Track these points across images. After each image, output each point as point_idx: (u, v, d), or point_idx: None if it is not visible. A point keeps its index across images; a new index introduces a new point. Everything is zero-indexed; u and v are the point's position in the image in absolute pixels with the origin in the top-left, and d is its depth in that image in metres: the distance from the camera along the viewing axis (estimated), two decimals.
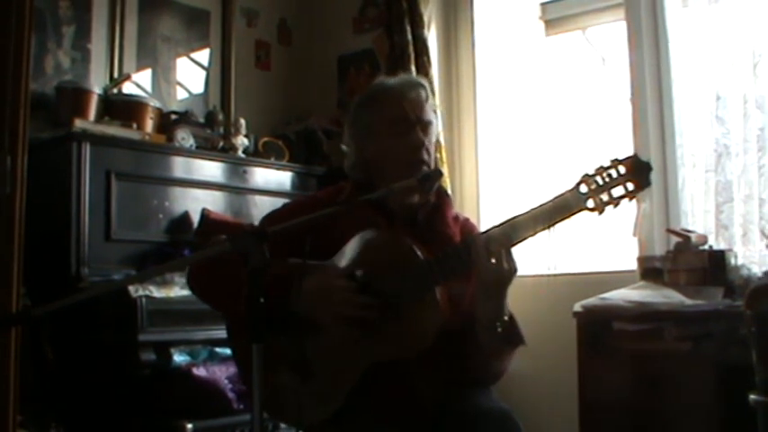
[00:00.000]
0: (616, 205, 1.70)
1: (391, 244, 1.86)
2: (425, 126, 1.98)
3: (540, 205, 1.73)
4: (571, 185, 1.72)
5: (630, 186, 1.69)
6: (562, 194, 1.73)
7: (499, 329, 1.80)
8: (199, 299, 2.02)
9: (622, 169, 1.70)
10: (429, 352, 1.77)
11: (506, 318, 1.82)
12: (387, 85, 2.05)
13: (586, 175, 1.71)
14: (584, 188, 1.71)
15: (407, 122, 1.96)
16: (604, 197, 1.70)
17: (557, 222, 1.73)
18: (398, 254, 1.83)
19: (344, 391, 1.81)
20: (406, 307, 1.79)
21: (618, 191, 1.70)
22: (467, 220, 2.13)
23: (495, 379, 1.97)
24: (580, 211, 1.71)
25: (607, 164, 1.71)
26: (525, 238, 1.74)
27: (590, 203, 1.71)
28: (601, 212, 1.71)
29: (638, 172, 1.69)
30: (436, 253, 1.80)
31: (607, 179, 1.70)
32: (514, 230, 1.73)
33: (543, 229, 1.73)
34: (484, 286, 1.77)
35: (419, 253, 1.81)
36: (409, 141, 1.95)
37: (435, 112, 2.09)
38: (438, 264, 1.77)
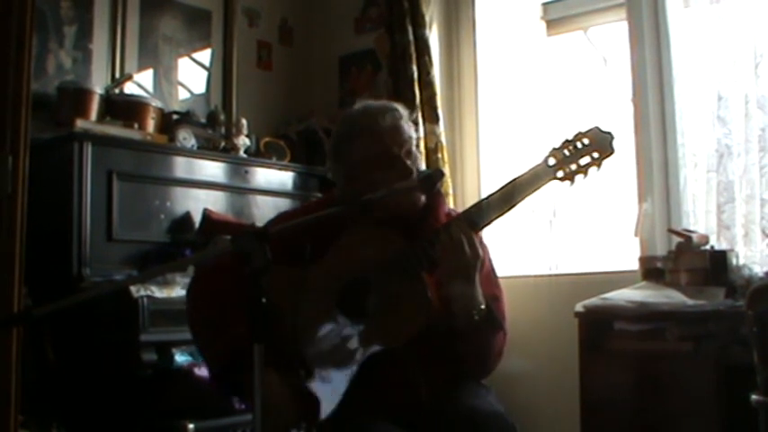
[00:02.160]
0: (585, 174, 1.82)
1: (374, 238, 1.90)
2: (409, 148, 1.99)
3: (512, 180, 1.82)
4: (540, 160, 1.84)
5: (596, 155, 1.82)
6: (532, 168, 1.83)
7: (476, 318, 1.83)
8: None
9: (586, 140, 1.83)
10: (424, 347, 1.80)
11: (482, 306, 1.84)
12: (360, 121, 2.01)
13: (554, 148, 1.84)
14: (552, 161, 1.82)
15: (390, 155, 1.96)
16: (573, 167, 1.82)
17: (529, 195, 1.82)
18: (382, 246, 1.87)
19: (342, 388, 1.82)
20: (395, 296, 1.82)
21: (585, 160, 1.82)
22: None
23: (486, 368, 1.98)
24: (551, 180, 1.82)
25: (571, 137, 1.83)
26: (503, 213, 1.82)
27: (559, 174, 1.82)
28: (572, 182, 1.82)
29: (600, 141, 1.82)
30: None
31: (573, 150, 1.82)
32: (486, 210, 1.82)
33: (518, 203, 1.82)
34: (448, 272, 1.80)
35: (401, 243, 1.85)
36: (396, 172, 1.94)
37: (416, 121, 2.11)
38: (421, 250, 1.82)
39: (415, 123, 2.90)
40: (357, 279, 1.88)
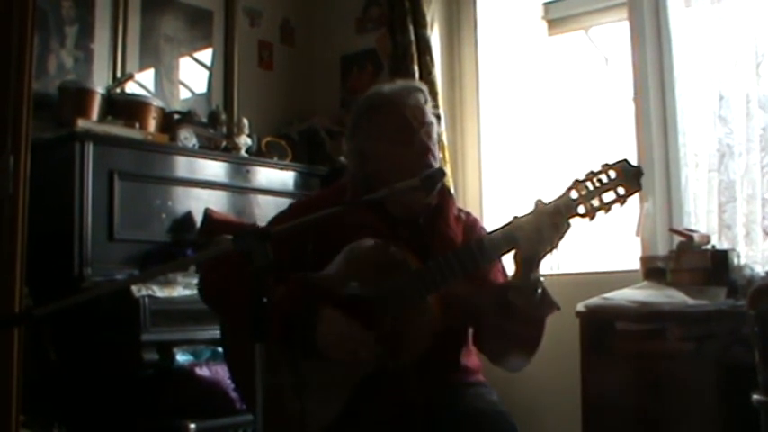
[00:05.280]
0: (607, 210, 1.72)
1: (383, 255, 1.84)
2: (428, 129, 1.96)
3: (530, 213, 1.74)
4: (562, 191, 1.73)
5: (621, 191, 1.71)
6: (553, 202, 1.73)
7: (539, 292, 1.81)
8: (207, 306, 2.03)
9: (612, 174, 1.71)
10: (423, 356, 1.78)
11: (542, 279, 1.82)
12: (385, 94, 2.01)
13: (577, 180, 1.72)
14: (574, 194, 1.72)
15: (410, 129, 1.94)
16: (595, 203, 1.71)
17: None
18: (390, 265, 1.82)
19: (342, 399, 1.81)
20: (401, 316, 1.79)
21: (609, 196, 1.71)
22: (468, 215, 2.12)
23: (534, 347, 1.93)
24: (571, 217, 1.72)
25: (597, 169, 1.72)
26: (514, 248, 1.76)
27: (581, 209, 1.72)
28: (592, 218, 1.72)
29: (628, 176, 1.71)
30: (435, 256, 1.81)
31: (597, 184, 1.71)
32: (498, 244, 1.77)
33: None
34: (531, 257, 1.76)
35: (411, 264, 1.82)
36: (415, 148, 1.93)
37: (437, 114, 2.09)
38: (430, 274, 1.78)
39: None
40: (358, 294, 1.84)
